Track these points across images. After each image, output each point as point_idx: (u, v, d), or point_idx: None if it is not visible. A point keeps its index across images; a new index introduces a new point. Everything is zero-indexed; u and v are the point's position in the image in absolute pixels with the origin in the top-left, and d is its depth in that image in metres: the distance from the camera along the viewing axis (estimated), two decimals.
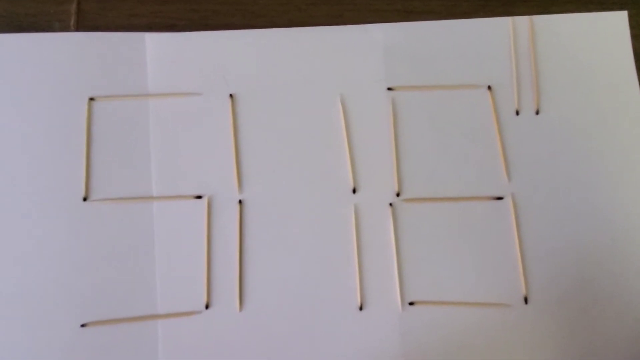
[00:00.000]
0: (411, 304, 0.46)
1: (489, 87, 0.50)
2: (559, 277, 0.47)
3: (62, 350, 0.44)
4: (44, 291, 0.45)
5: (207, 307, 0.46)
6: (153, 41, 0.49)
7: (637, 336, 0.46)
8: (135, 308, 0.45)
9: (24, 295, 0.45)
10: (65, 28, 0.50)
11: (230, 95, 0.49)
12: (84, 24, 0.50)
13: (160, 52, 0.49)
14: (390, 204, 0.48)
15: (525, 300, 0.46)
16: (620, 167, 0.49)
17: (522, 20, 0.51)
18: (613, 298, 0.46)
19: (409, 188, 0.48)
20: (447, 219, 0.48)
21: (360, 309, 0.46)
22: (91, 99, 0.48)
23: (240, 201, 0.47)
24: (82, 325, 0.45)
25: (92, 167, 0.47)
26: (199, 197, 0.47)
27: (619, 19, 0.52)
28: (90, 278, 0.46)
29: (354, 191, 0.48)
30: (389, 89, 0.50)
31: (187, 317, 0.45)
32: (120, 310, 0.45)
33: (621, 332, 0.46)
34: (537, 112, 0.50)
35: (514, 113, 0.50)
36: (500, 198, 0.48)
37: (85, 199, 0.47)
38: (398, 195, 0.48)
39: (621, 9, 0.52)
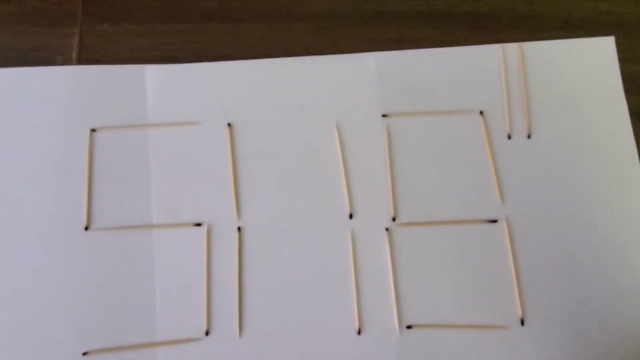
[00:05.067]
0: (409, 327, 0.47)
1: (481, 112, 0.51)
2: (554, 299, 0.47)
3: None
4: (46, 319, 0.46)
5: (207, 333, 0.46)
6: (152, 73, 0.51)
7: (634, 356, 0.46)
8: (136, 335, 0.46)
9: (26, 324, 0.46)
10: (67, 61, 0.51)
11: (228, 124, 0.50)
12: (86, 57, 0.51)
13: (159, 83, 0.51)
14: (387, 229, 0.49)
15: (522, 322, 0.47)
16: (611, 188, 0.49)
17: (512, 47, 0.53)
18: (609, 318, 0.47)
19: (405, 212, 0.49)
20: (442, 243, 0.48)
21: (359, 333, 0.46)
22: (92, 130, 0.49)
23: (239, 228, 0.48)
24: (84, 354, 0.45)
25: (93, 196, 0.48)
26: (199, 224, 0.48)
27: (607, 44, 0.53)
28: (91, 306, 0.46)
29: (351, 216, 0.49)
30: (383, 115, 0.51)
31: (187, 344, 0.46)
32: (121, 338, 0.46)
33: (618, 352, 0.46)
34: (529, 136, 0.51)
35: (506, 137, 0.51)
36: (494, 221, 0.49)
37: (86, 228, 0.48)
38: (394, 219, 0.49)
39: (608, 34, 0.53)
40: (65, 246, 0.47)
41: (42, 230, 0.47)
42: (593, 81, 0.52)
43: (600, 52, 0.53)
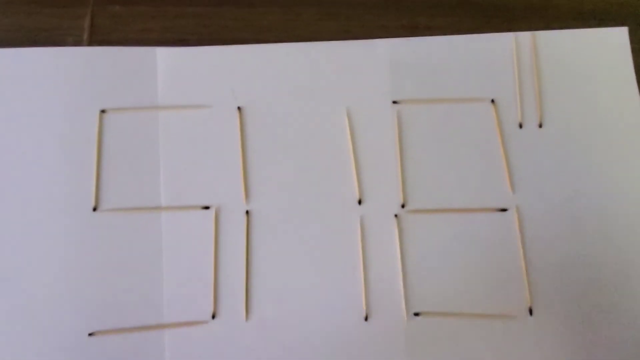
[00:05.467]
0: (416, 314, 0.46)
1: (493, 101, 0.51)
2: (563, 288, 0.47)
3: (70, 358, 0.45)
4: (53, 299, 0.46)
5: (213, 316, 0.46)
6: (164, 55, 0.51)
7: None
8: (143, 317, 0.46)
9: (33, 304, 0.46)
10: (78, 42, 0.51)
11: (239, 108, 0.50)
12: (97, 39, 0.51)
13: (170, 65, 0.51)
14: (396, 215, 0.48)
15: (530, 311, 0.46)
16: (622, 179, 0.49)
17: (525, 36, 0.52)
18: (618, 309, 0.46)
19: (414, 199, 0.49)
20: (452, 230, 0.48)
21: (366, 319, 0.46)
22: (102, 111, 0.49)
23: (247, 212, 0.48)
24: (90, 334, 0.45)
25: (102, 177, 0.48)
26: (207, 207, 0.48)
27: (620, 35, 0.52)
28: (98, 287, 0.46)
29: (360, 202, 0.49)
30: (394, 102, 0.51)
31: (194, 327, 0.46)
32: (127, 320, 0.46)
33: (626, 343, 0.46)
34: (540, 125, 0.50)
35: (517, 126, 0.51)
36: (504, 210, 0.48)
37: (95, 209, 0.48)
38: (403, 206, 0.49)
39: (621, 25, 0.53)
40: (74, 226, 0.47)
41: (50, 210, 0.47)
42: (605, 71, 0.52)
43: (613, 43, 0.52)
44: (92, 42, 0.51)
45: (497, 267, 0.47)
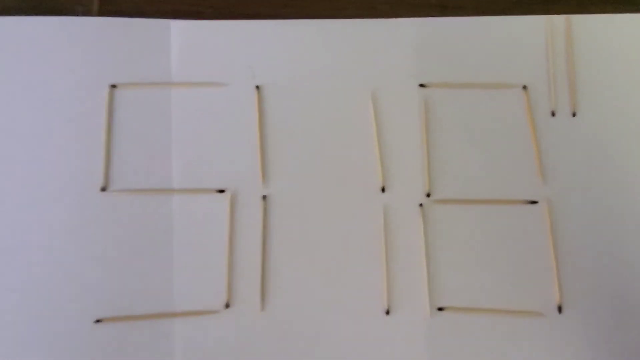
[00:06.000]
0: (440, 309, 0.44)
1: (524, 87, 0.48)
2: (595, 286, 0.45)
3: (75, 345, 0.43)
4: (58, 284, 0.43)
5: (227, 306, 0.44)
6: (178, 28, 0.48)
7: None
8: (152, 305, 0.44)
9: (36, 288, 0.43)
10: (87, 12, 0.48)
11: (257, 87, 0.47)
12: (107, 9, 0.48)
13: (185, 40, 0.48)
14: (421, 205, 0.46)
15: (560, 309, 0.44)
16: None
17: (559, 19, 0.50)
18: None
19: (440, 189, 0.46)
20: (479, 222, 0.46)
21: (387, 313, 0.44)
22: (112, 86, 0.47)
23: (264, 197, 0.46)
24: (97, 321, 0.43)
25: (111, 156, 0.46)
26: (222, 191, 0.46)
27: None
28: (105, 272, 0.44)
29: (383, 190, 0.46)
30: (421, 85, 0.48)
31: (206, 316, 0.44)
32: (136, 307, 0.44)
33: None
34: (574, 114, 0.48)
35: (550, 114, 0.48)
36: (534, 202, 0.46)
37: (103, 189, 0.45)
38: (429, 195, 0.46)
39: None
40: (80, 207, 0.45)
41: (56, 190, 0.45)
42: None
43: None
44: (102, 12, 0.48)
45: (526, 262, 0.45)
